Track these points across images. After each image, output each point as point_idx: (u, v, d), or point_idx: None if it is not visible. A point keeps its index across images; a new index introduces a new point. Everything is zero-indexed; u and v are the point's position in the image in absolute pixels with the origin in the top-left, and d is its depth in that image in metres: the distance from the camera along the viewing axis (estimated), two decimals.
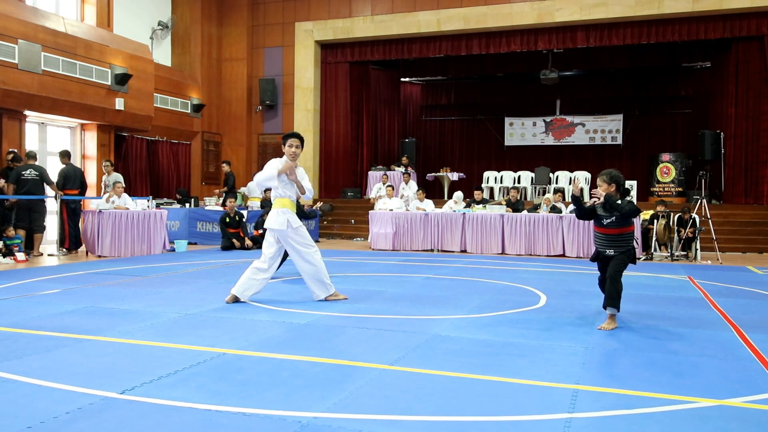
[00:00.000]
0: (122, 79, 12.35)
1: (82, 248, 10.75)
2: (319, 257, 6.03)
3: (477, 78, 19.68)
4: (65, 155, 10.86)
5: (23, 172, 9.91)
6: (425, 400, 3.17)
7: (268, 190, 14.90)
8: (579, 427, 2.85)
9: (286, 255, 7.68)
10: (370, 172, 16.46)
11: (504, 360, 3.97)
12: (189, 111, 15.53)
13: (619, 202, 4.89)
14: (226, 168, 14.29)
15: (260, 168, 17.30)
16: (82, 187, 10.96)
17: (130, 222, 10.50)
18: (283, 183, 5.89)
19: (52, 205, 10.60)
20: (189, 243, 12.53)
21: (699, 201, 11.22)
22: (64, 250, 10.58)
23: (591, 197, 5.07)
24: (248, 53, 16.74)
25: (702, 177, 11.86)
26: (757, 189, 13.74)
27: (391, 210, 12.40)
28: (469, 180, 17.09)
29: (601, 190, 5.02)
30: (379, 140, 18.19)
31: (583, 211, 5.12)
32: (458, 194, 12.80)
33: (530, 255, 11.25)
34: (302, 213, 7.43)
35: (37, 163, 10.29)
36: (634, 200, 11.12)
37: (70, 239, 10.63)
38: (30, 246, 10.14)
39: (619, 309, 5.01)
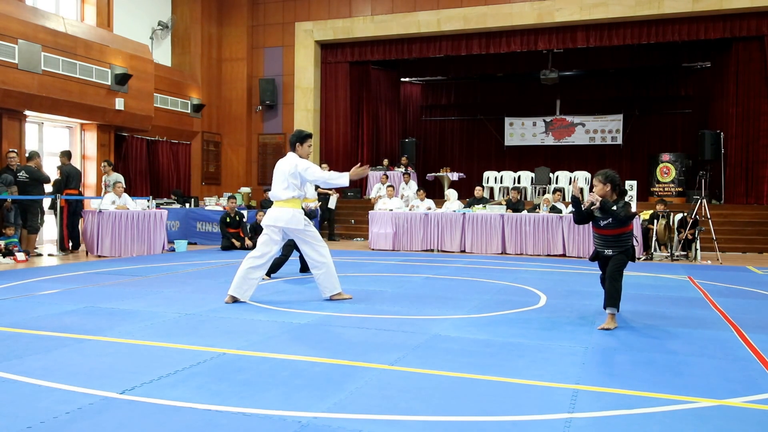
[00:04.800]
0: (122, 79, 12.35)
1: (82, 248, 10.76)
2: (330, 255, 6.13)
3: (477, 78, 19.67)
4: (66, 155, 10.85)
5: (17, 174, 9.98)
6: (425, 400, 3.17)
7: (267, 190, 14.96)
8: (579, 427, 2.85)
9: (286, 256, 7.73)
10: (370, 172, 16.45)
11: (504, 360, 3.98)
12: (189, 111, 15.52)
13: (614, 208, 4.88)
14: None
15: (260, 167, 17.22)
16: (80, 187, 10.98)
17: (130, 222, 10.50)
18: (299, 184, 5.98)
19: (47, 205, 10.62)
20: (189, 243, 12.53)
21: (699, 201, 11.21)
22: (68, 250, 10.59)
23: (586, 201, 5.06)
24: (248, 53, 16.73)
25: (702, 177, 11.86)
26: (757, 189, 13.73)
27: (391, 210, 12.40)
28: (469, 180, 17.08)
29: (596, 190, 5.03)
30: (379, 140, 18.18)
31: (581, 215, 5.12)
32: (449, 192, 12.99)
33: (530, 255, 11.26)
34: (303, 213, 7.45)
35: (31, 164, 10.31)
36: (634, 200, 11.12)
37: (69, 239, 10.62)
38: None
39: (619, 309, 5.01)
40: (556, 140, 18.96)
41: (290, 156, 6.00)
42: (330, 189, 13.45)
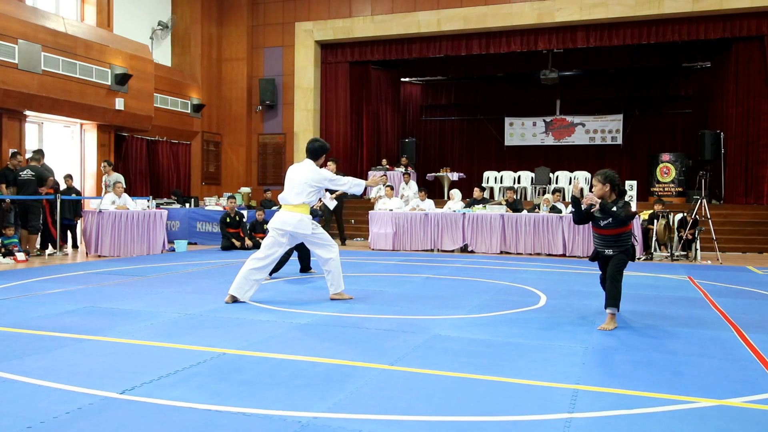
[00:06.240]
0: (122, 79, 12.35)
1: (69, 248, 10.74)
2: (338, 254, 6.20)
3: (477, 78, 19.67)
4: (42, 154, 10.70)
5: (21, 173, 9.94)
6: (425, 400, 3.17)
7: (267, 190, 14.95)
8: (579, 427, 2.85)
9: (287, 258, 7.74)
10: (370, 172, 16.45)
11: (504, 360, 3.98)
12: (189, 111, 15.52)
13: (615, 209, 4.88)
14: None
15: (260, 167, 17.16)
16: (56, 186, 10.88)
17: (130, 222, 10.50)
18: (318, 191, 6.06)
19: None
20: (189, 243, 12.53)
21: (699, 201, 11.21)
22: (63, 248, 10.57)
23: (585, 202, 5.05)
24: (248, 53, 16.73)
25: (702, 177, 11.85)
26: (757, 189, 13.73)
27: (391, 210, 12.40)
28: (469, 180, 17.08)
29: (596, 190, 5.03)
30: (379, 140, 18.18)
31: (580, 215, 5.13)
32: (454, 191, 12.94)
33: (530, 255, 11.25)
34: None
35: (33, 163, 10.28)
36: (634, 201, 11.12)
37: (51, 239, 10.57)
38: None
39: (619, 309, 5.01)
40: (556, 140, 18.95)
41: (308, 164, 6.06)
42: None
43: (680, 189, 15.35)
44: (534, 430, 2.82)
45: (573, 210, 5.20)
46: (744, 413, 3.08)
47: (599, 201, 4.94)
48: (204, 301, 5.98)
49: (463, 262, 10.00)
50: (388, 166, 16.29)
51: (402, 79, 19.53)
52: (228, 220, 11.79)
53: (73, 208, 11.02)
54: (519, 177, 17.15)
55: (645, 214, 11.38)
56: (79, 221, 11.30)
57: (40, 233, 10.41)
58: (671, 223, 11.16)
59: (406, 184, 14.58)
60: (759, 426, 2.91)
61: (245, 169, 16.81)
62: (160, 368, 3.68)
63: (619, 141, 18.46)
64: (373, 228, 12.31)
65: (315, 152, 6.08)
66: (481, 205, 12.12)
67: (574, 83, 18.91)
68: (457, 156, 20.49)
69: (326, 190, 6.77)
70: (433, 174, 16.67)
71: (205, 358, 3.93)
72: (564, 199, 13.10)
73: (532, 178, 16.99)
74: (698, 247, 10.84)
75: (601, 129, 18.56)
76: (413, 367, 3.78)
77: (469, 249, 11.70)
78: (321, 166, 6.13)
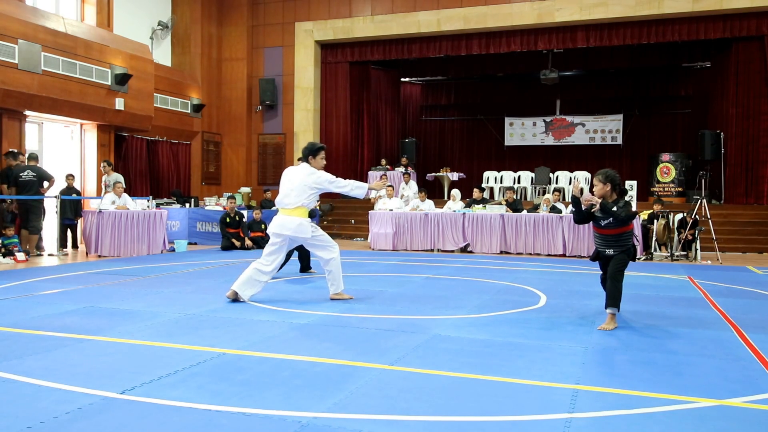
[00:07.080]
0: (122, 79, 12.34)
1: (69, 248, 10.73)
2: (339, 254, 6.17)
3: (477, 78, 19.67)
4: (14, 155, 10.62)
5: (21, 174, 9.93)
6: (425, 400, 3.17)
7: (267, 190, 14.95)
8: (579, 427, 2.85)
9: (287, 257, 7.73)
10: (370, 172, 16.46)
11: (504, 360, 3.98)
12: (189, 111, 15.52)
13: (615, 209, 4.88)
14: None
15: (260, 167, 17.12)
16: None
17: (130, 222, 10.50)
18: (316, 194, 6.02)
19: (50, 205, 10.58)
20: (189, 243, 12.53)
21: (699, 201, 11.21)
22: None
23: (584, 203, 5.04)
24: (248, 53, 16.73)
25: (702, 177, 11.85)
26: (757, 189, 13.73)
27: (391, 210, 12.40)
28: (469, 180, 17.08)
29: (596, 190, 5.03)
30: (379, 140, 18.18)
31: (581, 215, 5.12)
32: (455, 192, 12.94)
33: (530, 255, 11.25)
34: None
35: (33, 163, 10.27)
36: (634, 201, 11.12)
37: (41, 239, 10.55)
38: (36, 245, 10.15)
39: (619, 309, 5.01)
40: (556, 140, 18.96)
41: (305, 167, 6.02)
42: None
43: (680, 189, 15.35)
44: (534, 430, 2.82)
45: (573, 210, 5.20)
46: (744, 413, 3.08)
47: (599, 201, 4.94)
48: (204, 301, 5.99)
49: (463, 262, 10.01)
50: (387, 166, 16.30)
51: (402, 79, 19.53)
52: (228, 220, 11.79)
53: (74, 207, 11.03)
54: (519, 177, 17.16)
55: (645, 214, 11.38)
56: (79, 221, 11.30)
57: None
58: (671, 223, 11.16)
59: (406, 184, 14.58)
60: (759, 426, 2.91)
61: (245, 169, 16.81)
62: (160, 368, 3.68)
63: (619, 141, 18.46)
64: (373, 228, 12.31)
65: (305, 155, 6.04)
66: (481, 205, 12.12)
67: (574, 83, 18.92)
68: (457, 156, 20.49)
69: None
70: (433, 174, 16.67)
71: (205, 358, 3.93)
72: (564, 199, 13.09)
73: (532, 178, 17.00)
74: (698, 247, 10.84)
75: (601, 129, 18.56)
76: (413, 367, 3.78)
77: (469, 249, 11.71)
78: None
